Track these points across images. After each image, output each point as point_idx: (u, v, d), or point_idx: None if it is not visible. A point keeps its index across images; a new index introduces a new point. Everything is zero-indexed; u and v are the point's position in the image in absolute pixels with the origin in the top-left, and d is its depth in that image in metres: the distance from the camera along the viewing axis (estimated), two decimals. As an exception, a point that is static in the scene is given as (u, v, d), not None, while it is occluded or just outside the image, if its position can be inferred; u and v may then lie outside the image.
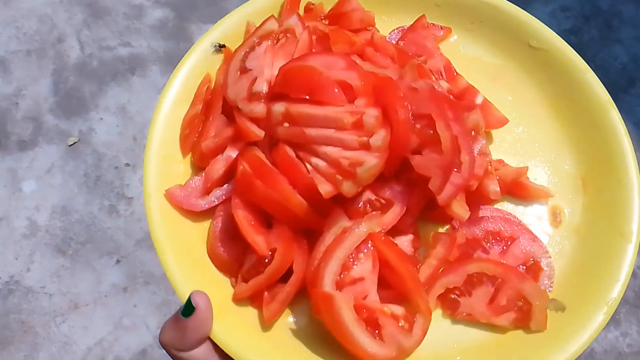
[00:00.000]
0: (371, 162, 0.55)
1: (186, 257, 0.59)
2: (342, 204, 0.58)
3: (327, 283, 0.53)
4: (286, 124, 0.58)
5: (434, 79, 0.62)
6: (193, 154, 0.65)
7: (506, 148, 0.68)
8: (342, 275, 0.54)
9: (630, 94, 2.02)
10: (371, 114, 0.56)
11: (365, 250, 0.56)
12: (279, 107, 0.59)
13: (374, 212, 0.57)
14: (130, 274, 1.71)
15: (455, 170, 0.56)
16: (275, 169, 0.58)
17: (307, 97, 0.58)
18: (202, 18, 2.20)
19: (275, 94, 0.60)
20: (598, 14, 2.19)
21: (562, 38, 0.70)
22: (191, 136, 0.65)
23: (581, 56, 0.68)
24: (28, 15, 2.22)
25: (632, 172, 0.61)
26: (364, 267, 0.55)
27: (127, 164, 1.90)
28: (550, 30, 0.70)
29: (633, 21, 2.18)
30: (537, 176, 0.66)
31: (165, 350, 0.53)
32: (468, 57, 0.73)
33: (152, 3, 2.24)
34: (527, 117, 0.69)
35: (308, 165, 0.58)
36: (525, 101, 0.70)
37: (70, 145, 1.94)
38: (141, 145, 1.92)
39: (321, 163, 0.57)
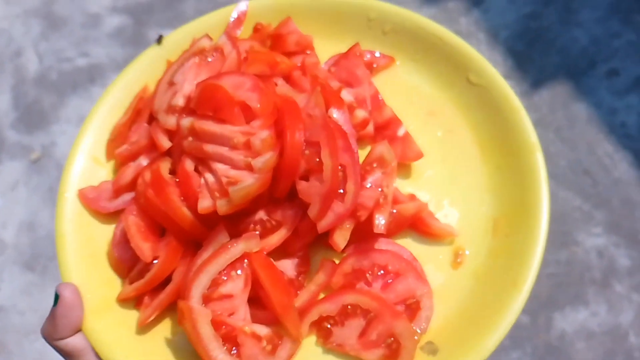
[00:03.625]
0: (245, 183, 0.56)
1: (86, 255, 0.62)
2: (234, 220, 0.59)
3: (194, 296, 0.54)
4: (190, 138, 0.60)
5: (345, 107, 0.62)
6: (115, 159, 0.68)
7: (422, 183, 0.67)
8: (210, 290, 0.55)
9: (591, 76, 2.03)
10: (259, 137, 0.57)
11: (240, 269, 0.56)
12: (186, 122, 0.61)
13: (254, 232, 0.58)
14: (101, 287, 1.71)
15: (340, 200, 0.56)
16: (168, 181, 0.60)
17: (212, 114, 0.60)
18: (159, 22, 2.18)
19: (189, 109, 0.63)
20: (557, -4, 2.21)
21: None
22: (117, 142, 0.68)
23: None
24: (-16, 31, 2.19)
25: (541, 223, 0.59)
26: (235, 285, 0.56)
27: (92, 176, 1.90)
28: (491, 66, 0.69)
29: (592, 3, 2.20)
30: (449, 214, 0.64)
31: (46, 342, 0.56)
32: (408, 86, 0.73)
33: (109, 11, 2.22)
34: (453, 155, 0.68)
35: (203, 180, 0.59)
36: (454, 138, 0.69)
37: (34, 160, 1.93)
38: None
39: (211, 179, 0.58)
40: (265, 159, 0.56)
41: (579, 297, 1.69)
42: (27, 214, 1.85)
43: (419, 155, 0.66)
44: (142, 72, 0.73)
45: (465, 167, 0.67)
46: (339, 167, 0.56)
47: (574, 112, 1.98)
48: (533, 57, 2.10)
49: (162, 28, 2.16)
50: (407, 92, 0.72)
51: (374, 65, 0.74)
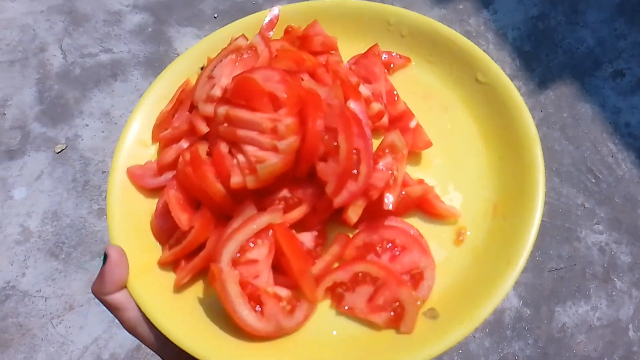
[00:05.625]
0: (271, 161, 0.63)
1: (132, 224, 0.69)
2: (261, 196, 0.66)
3: (224, 259, 0.61)
4: (225, 124, 0.67)
5: (362, 100, 0.69)
6: (159, 142, 0.76)
7: (430, 170, 0.73)
8: (238, 255, 0.61)
9: (596, 76, 2.08)
10: (285, 122, 0.64)
11: (265, 238, 0.63)
12: (222, 110, 0.68)
13: (278, 207, 0.64)
14: (122, 274, 1.78)
15: (354, 180, 0.62)
16: (204, 160, 0.67)
17: (244, 103, 0.67)
18: (179, 21, 2.25)
19: (225, 99, 0.69)
20: (565, -1, 2.26)
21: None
22: (161, 127, 0.76)
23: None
24: (9, 26, 2.26)
25: (536, 208, 0.65)
26: (260, 252, 0.63)
27: (114, 168, 1.97)
28: (497, 66, 0.75)
29: (598, 4, 2.24)
30: (453, 198, 0.71)
31: (95, 296, 0.62)
32: (421, 84, 0.80)
33: (131, 8, 2.29)
34: (460, 146, 0.74)
35: (235, 160, 0.66)
36: (462, 131, 0.75)
37: (58, 152, 2.00)
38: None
39: (242, 159, 0.65)
40: (289, 142, 0.63)
41: (580, 291, 1.74)
42: (52, 203, 1.92)
43: (428, 145, 0.72)
44: (185, 67, 0.80)
45: (470, 157, 0.73)
46: (354, 151, 0.62)
47: (579, 112, 2.03)
48: (540, 57, 2.15)
49: (182, 26, 2.23)
50: (420, 89, 0.79)
51: (392, 65, 0.81)
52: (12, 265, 1.82)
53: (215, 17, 2.27)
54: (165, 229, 0.69)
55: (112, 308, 0.63)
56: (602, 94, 2.04)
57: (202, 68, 0.80)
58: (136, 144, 0.75)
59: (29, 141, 2.02)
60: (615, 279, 1.74)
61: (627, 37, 2.14)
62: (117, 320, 0.65)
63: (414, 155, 0.73)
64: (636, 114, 1.99)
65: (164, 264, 0.67)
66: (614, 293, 1.72)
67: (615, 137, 1.96)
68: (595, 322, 1.69)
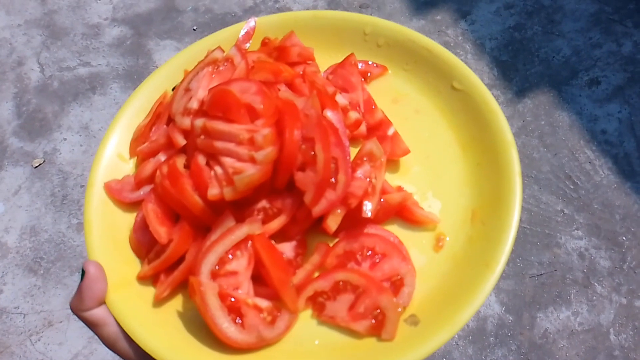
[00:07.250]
0: (248, 172, 0.63)
1: (110, 239, 0.69)
2: (240, 208, 0.66)
3: (203, 272, 0.61)
4: (202, 137, 0.67)
5: (339, 109, 0.69)
6: (137, 155, 0.76)
7: (409, 177, 0.73)
8: (217, 267, 0.61)
9: (573, 85, 2.11)
10: (262, 133, 0.64)
11: (244, 249, 0.63)
12: (199, 122, 0.68)
13: (257, 217, 0.64)
14: (102, 289, 1.76)
15: (332, 188, 0.62)
16: (182, 173, 0.67)
17: (221, 115, 0.67)
18: (159, 33, 2.25)
19: (202, 111, 0.70)
20: (541, 9, 2.29)
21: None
22: (139, 141, 0.76)
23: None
24: (-14, 41, 2.24)
25: (513, 213, 0.65)
26: (240, 263, 0.63)
27: (93, 182, 1.95)
28: (473, 73, 0.76)
29: (574, 14, 2.28)
30: (432, 204, 0.71)
31: (73, 313, 0.61)
32: (398, 92, 0.80)
33: (110, 22, 2.28)
34: (437, 152, 0.75)
35: (213, 172, 0.66)
36: (439, 137, 0.76)
37: (36, 166, 1.97)
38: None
39: (219, 171, 0.65)
40: (266, 152, 0.63)
41: (561, 297, 1.75)
42: (30, 218, 1.90)
43: (406, 152, 0.73)
44: (162, 80, 0.80)
45: (448, 163, 0.74)
46: (332, 160, 0.63)
47: (556, 120, 2.05)
48: (517, 66, 2.18)
49: (161, 38, 2.22)
50: (398, 97, 0.80)
51: (369, 74, 0.81)
52: (-11, 282, 1.79)
53: (194, 30, 2.27)
54: (144, 243, 0.68)
55: (91, 324, 0.62)
56: (578, 102, 2.07)
57: (173, 89, 0.79)
58: (114, 158, 0.75)
59: (7, 156, 2.00)
60: (595, 284, 1.76)
61: (602, 46, 2.18)
62: (97, 336, 0.64)
63: (392, 163, 0.74)
64: (612, 121, 2.02)
65: (144, 278, 0.67)
66: (594, 298, 1.74)
67: (592, 144, 1.99)
68: (577, 327, 1.71)
